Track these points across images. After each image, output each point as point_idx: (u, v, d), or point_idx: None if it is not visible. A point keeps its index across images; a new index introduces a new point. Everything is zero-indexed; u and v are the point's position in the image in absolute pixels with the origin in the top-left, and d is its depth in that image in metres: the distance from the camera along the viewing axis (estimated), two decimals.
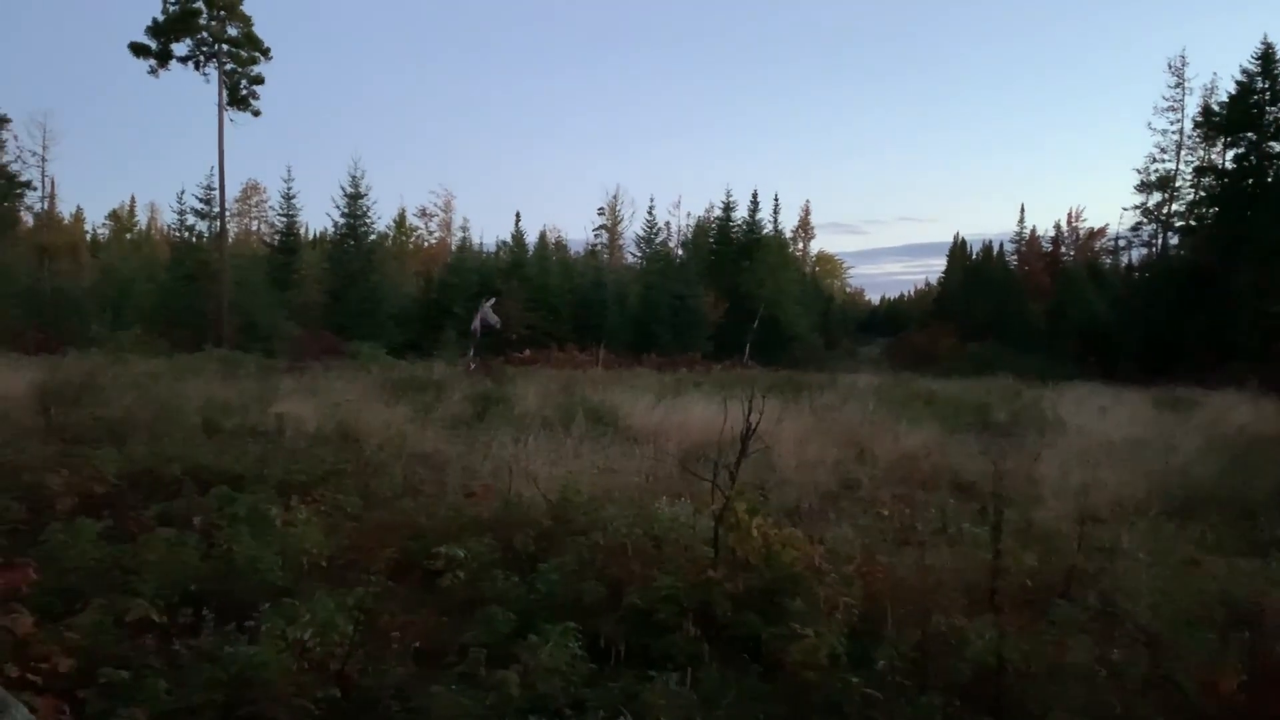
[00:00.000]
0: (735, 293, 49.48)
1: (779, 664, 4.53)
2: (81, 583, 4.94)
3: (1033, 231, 63.29)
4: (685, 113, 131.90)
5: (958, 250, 66.85)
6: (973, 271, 62.10)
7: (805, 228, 73.06)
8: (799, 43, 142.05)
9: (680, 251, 58.09)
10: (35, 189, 44.51)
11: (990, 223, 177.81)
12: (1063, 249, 62.88)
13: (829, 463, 10.14)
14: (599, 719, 3.82)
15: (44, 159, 44.43)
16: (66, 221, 58.84)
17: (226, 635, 4.20)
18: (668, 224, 60.25)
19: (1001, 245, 63.17)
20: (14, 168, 40.19)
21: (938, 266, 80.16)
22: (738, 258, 52.17)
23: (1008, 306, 52.95)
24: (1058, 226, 63.96)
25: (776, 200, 62.64)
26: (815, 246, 76.98)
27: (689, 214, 65.84)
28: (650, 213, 57.03)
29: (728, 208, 55.05)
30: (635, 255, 58.20)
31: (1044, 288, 55.33)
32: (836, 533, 6.60)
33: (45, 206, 50.84)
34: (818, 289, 64.89)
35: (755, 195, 54.69)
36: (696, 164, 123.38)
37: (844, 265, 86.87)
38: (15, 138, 40.99)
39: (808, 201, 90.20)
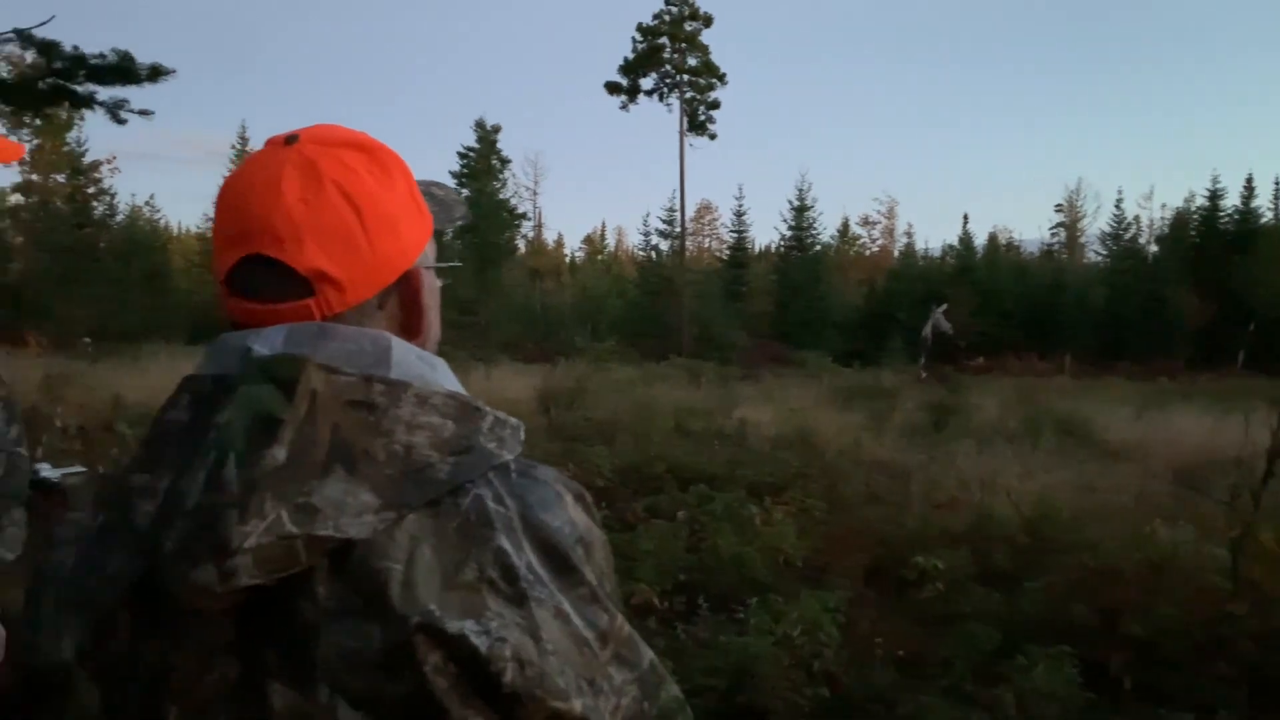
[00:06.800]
0: (1224, 291, 43.29)
1: None
2: None
3: None
4: (1161, 98, 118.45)
5: None
6: None
7: None
8: None
9: (1154, 247, 52.22)
10: (529, 219, 51.47)
11: None
12: None
13: None
14: None
15: (535, 193, 51.29)
16: (550, 247, 66.73)
17: (719, 624, 4.50)
18: (1137, 218, 54.15)
19: None
20: (513, 202, 46.63)
21: None
22: (1227, 252, 45.66)
23: None
24: None
25: (1278, 184, 54.01)
26: None
27: (1164, 205, 59.02)
28: (1118, 206, 51.82)
29: (1214, 196, 48.44)
30: (1099, 254, 53.29)
31: None
32: None
33: (534, 234, 58.43)
34: None
35: (1250, 180, 47.62)
36: (1173, 151, 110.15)
37: None
38: (514, 176, 47.79)
39: None
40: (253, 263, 0.81)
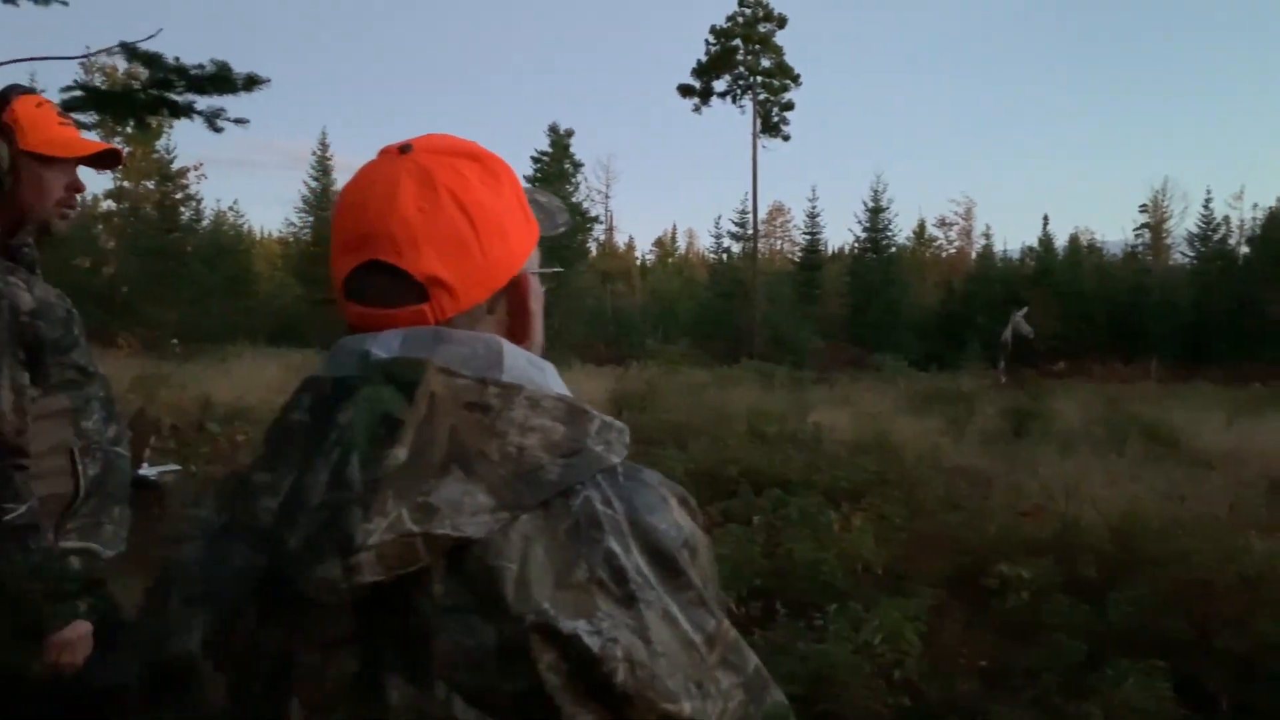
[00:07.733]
0: None
1: None
2: None
3: None
4: (1252, 94, 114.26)
5: None
6: None
7: None
8: None
9: (1245, 248, 50.39)
10: (601, 222, 51.79)
11: None
12: None
13: None
14: None
15: (607, 196, 51.65)
16: (621, 250, 66.92)
17: (797, 631, 4.46)
18: (1226, 218, 52.28)
19: None
20: (585, 205, 46.92)
21: None
22: None
23: None
24: None
25: None
26: None
27: (1255, 205, 56.63)
28: (1206, 206, 50.18)
29: None
30: (1186, 255, 51.63)
31: None
32: None
33: (605, 237, 58.75)
34: None
35: None
36: (1265, 149, 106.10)
37: None
38: (586, 179, 48.18)
39: None
40: (370, 269, 0.83)
